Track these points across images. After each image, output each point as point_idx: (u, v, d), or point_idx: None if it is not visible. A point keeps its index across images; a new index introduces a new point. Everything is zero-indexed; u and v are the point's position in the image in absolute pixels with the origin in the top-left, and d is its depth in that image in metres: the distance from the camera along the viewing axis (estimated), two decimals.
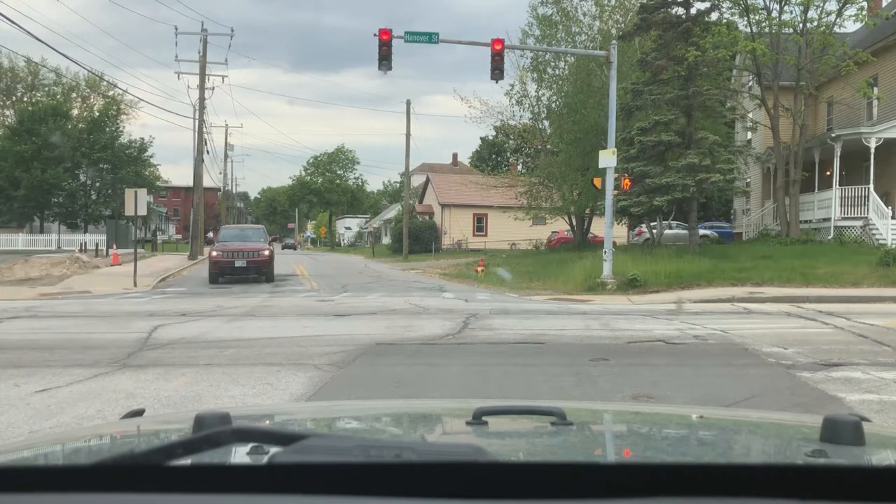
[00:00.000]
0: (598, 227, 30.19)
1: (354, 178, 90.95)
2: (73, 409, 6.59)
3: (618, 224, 31.62)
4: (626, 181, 23.58)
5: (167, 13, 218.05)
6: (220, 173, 65.87)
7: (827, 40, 26.05)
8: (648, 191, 24.94)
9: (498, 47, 20.15)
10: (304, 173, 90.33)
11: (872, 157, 26.21)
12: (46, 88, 64.43)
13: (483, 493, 0.91)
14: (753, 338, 10.68)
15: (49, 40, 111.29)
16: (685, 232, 29.45)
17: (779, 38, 27.19)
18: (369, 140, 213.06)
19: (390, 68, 19.76)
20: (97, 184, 57.87)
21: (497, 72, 20.18)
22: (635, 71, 27.30)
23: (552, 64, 33.52)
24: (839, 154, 27.17)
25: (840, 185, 27.46)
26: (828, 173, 28.33)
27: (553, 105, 34.09)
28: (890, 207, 26.45)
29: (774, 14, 27.47)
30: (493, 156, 69.43)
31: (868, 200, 26.79)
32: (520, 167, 52.81)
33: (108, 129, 58.08)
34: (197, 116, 40.37)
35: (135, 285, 22.53)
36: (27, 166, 52.66)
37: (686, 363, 8.95)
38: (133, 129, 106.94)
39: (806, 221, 28.52)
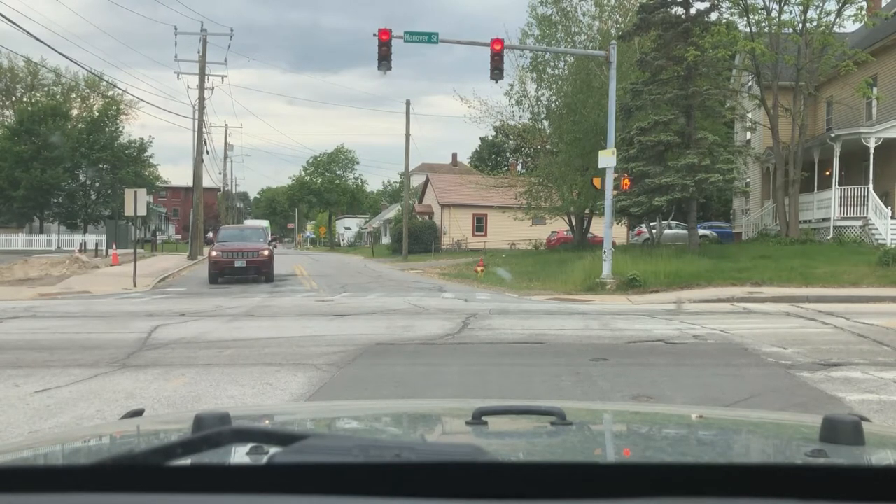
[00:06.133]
0: (598, 227, 30.18)
1: (354, 179, 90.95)
2: (72, 409, 6.59)
3: (617, 224, 31.65)
4: (626, 181, 23.58)
5: (167, 13, 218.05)
6: (220, 173, 65.90)
7: (826, 40, 26.05)
8: (648, 191, 24.94)
9: (497, 47, 20.14)
10: (303, 173, 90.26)
11: (872, 156, 26.21)
12: (46, 88, 64.36)
13: (483, 493, 0.91)
14: (753, 338, 10.68)
15: (49, 40, 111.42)
16: (685, 232, 29.44)
17: (778, 38, 27.19)
18: (369, 140, 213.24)
19: (390, 68, 19.76)
20: (97, 184, 57.81)
21: (497, 72, 20.17)
22: (635, 71, 27.30)
23: (552, 64, 33.52)
24: (838, 154, 27.17)
25: (839, 184, 27.46)
26: (827, 173, 28.33)
27: (553, 105, 34.09)
28: (889, 207, 26.45)
29: (774, 14, 27.47)
30: (493, 156, 69.39)
31: (867, 200, 26.79)
32: (519, 167, 52.83)
33: (107, 130, 58.01)
34: (196, 116, 40.38)
35: (134, 285, 22.53)
36: (27, 166, 52.60)
37: (686, 363, 8.95)
38: (133, 129, 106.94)
39: (805, 221, 28.52)
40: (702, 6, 26.57)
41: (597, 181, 22.99)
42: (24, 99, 64.09)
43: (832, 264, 20.47)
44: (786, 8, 27.19)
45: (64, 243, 50.03)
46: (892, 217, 26.14)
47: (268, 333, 11.63)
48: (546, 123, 35.73)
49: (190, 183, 42.71)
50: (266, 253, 24.82)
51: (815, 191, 28.97)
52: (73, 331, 12.11)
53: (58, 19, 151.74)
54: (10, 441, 4.40)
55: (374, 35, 19.64)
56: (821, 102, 31.73)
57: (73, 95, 64.53)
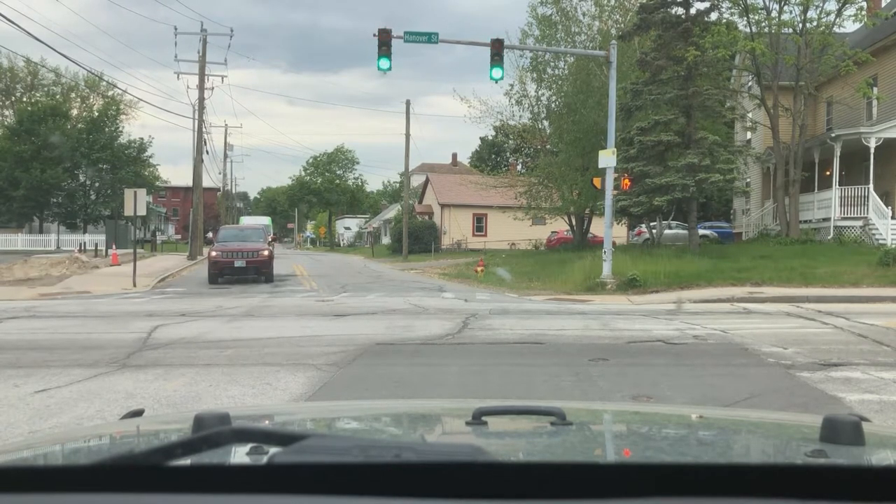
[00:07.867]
0: (598, 227, 30.19)
1: (354, 179, 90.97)
2: (72, 409, 6.59)
3: (617, 224, 31.64)
4: (626, 181, 23.57)
5: (166, 13, 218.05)
6: (220, 173, 65.85)
7: (826, 40, 26.05)
8: (648, 191, 24.93)
9: (497, 47, 20.14)
10: (303, 173, 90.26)
11: (872, 156, 26.21)
12: (46, 88, 64.34)
13: (483, 493, 0.91)
14: (753, 338, 10.68)
15: (49, 40, 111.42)
16: (685, 232, 29.44)
17: (778, 38, 27.19)
18: (369, 140, 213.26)
19: (390, 68, 19.76)
20: (96, 184, 57.80)
21: (497, 70, 20.15)
22: (635, 71, 27.29)
23: (552, 64, 33.50)
24: (839, 154, 27.16)
25: (840, 184, 27.46)
26: (827, 173, 28.33)
27: (553, 105, 34.08)
28: (889, 207, 26.44)
29: (774, 14, 27.47)
30: (493, 156, 69.37)
31: (868, 200, 26.79)
32: (519, 167, 52.80)
33: (107, 130, 57.98)
34: (196, 116, 40.38)
35: (134, 285, 22.52)
36: (27, 166, 52.59)
37: (685, 363, 8.95)
38: (132, 129, 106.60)
39: (806, 221, 28.52)
40: (702, 6, 26.61)
41: (597, 181, 22.99)
42: (24, 99, 64.09)
43: (832, 264, 20.46)
44: (786, 8, 27.19)
45: (64, 243, 49.99)
46: (893, 217, 26.13)
47: (268, 333, 11.63)
48: (546, 123, 35.72)
49: (190, 183, 42.70)
50: (266, 253, 24.84)
51: (816, 191, 28.96)
52: (73, 331, 12.11)
53: (57, 19, 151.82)
54: (10, 441, 4.40)
55: (374, 35, 19.64)
56: (821, 102, 31.72)
57: (73, 95, 64.51)
